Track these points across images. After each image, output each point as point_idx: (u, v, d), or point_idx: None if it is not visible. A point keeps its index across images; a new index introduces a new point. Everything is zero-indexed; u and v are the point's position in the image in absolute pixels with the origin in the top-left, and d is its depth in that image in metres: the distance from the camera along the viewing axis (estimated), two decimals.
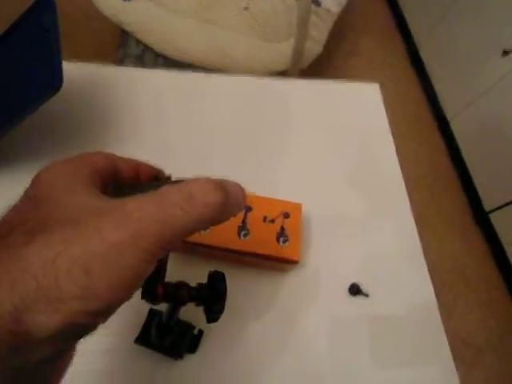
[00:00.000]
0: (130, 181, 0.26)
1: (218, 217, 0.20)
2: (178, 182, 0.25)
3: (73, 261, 0.15)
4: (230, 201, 0.20)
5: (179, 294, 0.27)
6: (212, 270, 0.29)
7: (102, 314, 0.16)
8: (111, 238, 0.16)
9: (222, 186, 0.20)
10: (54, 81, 0.33)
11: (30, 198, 0.19)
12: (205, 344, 0.39)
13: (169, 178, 0.28)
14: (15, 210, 0.19)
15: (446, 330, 0.44)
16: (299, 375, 0.40)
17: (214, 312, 0.27)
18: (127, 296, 0.17)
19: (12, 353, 0.15)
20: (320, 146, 0.55)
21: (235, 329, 0.41)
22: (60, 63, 0.34)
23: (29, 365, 0.16)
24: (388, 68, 1.94)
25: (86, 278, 0.15)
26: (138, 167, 0.26)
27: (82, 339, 0.17)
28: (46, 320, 0.15)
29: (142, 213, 0.17)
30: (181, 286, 0.28)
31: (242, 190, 0.23)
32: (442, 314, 0.45)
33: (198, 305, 0.28)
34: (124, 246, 0.16)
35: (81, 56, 0.55)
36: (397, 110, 1.77)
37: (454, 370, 0.42)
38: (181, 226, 0.18)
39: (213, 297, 0.27)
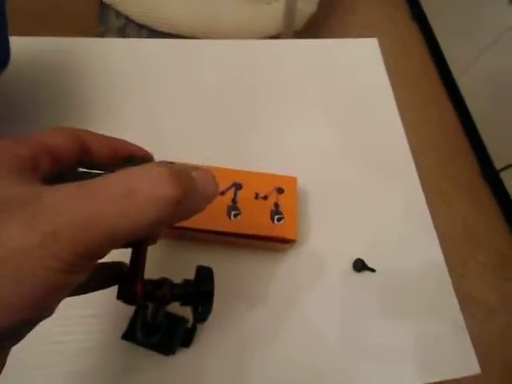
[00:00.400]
0: (104, 163, 0.22)
1: (172, 215, 0.15)
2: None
3: None
4: (191, 194, 0.16)
5: (160, 292, 0.24)
6: (199, 265, 0.26)
7: (9, 336, 0.13)
8: (14, 243, 0.12)
9: (177, 174, 0.16)
10: (0, 55, 0.29)
11: None
12: (200, 337, 0.36)
13: (146, 160, 0.23)
14: None
15: (457, 291, 0.41)
16: (306, 360, 0.37)
17: (200, 313, 0.24)
18: (43, 311, 0.14)
19: None
20: (316, 111, 0.50)
21: (232, 317, 0.38)
22: (6, 35, 0.30)
23: None
24: (389, 25, 1.83)
25: None
26: (115, 146, 0.22)
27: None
28: None
29: (60, 208, 0.13)
30: (162, 283, 0.24)
31: (211, 178, 0.19)
32: (452, 276, 0.42)
33: (183, 304, 0.25)
34: (30, 254, 0.12)
35: (60, 34, 0.50)
36: (400, 68, 1.68)
37: (464, 325, 0.40)
38: (114, 228, 0.14)
39: (199, 296, 0.24)
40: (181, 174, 0.16)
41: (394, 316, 0.40)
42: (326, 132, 0.49)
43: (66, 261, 0.13)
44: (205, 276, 0.25)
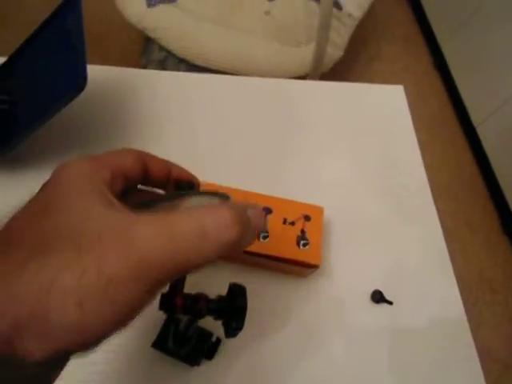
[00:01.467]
0: (159, 183, 0.25)
1: (230, 252, 0.18)
2: (204, 194, 0.24)
3: (66, 293, 0.14)
4: (247, 234, 0.18)
5: (198, 306, 0.26)
6: (232, 282, 0.28)
7: (93, 345, 0.16)
8: (110, 269, 0.15)
9: (241, 219, 0.18)
10: (78, 80, 0.33)
11: (41, 201, 0.18)
12: (222, 350, 0.38)
13: (193, 184, 0.26)
14: (23, 214, 0.18)
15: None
16: (316, 382, 0.38)
17: (232, 328, 0.26)
18: (122, 327, 0.16)
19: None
20: (343, 149, 0.54)
21: (253, 334, 0.39)
22: (84, 63, 0.35)
23: (17, 377, 0.15)
24: (411, 73, 1.90)
25: (79, 313, 0.14)
26: (169, 168, 0.25)
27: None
28: (34, 348, 0.14)
29: (148, 243, 0.16)
30: (199, 298, 0.26)
31: (262, 216, 0.21)
32: None
33: (216, 318, 0.27)
34: (123, 279, 0.15)
35: (105, 63, 0.56)
36: (421, 115, 1.73)
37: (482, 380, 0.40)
38: (187, 262, 0.16)
39: (232, 312, 0.26)
40: (242, 217, 0.18)
41: (404, 365, 0.41)
42: (352, 168, 0.52)
43: (150, 285, 0.16)
44: (238, 292, 0.27)
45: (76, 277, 0.15)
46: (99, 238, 0.16)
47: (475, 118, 1.63)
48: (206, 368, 0.37)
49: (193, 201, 0.24)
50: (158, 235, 0.16)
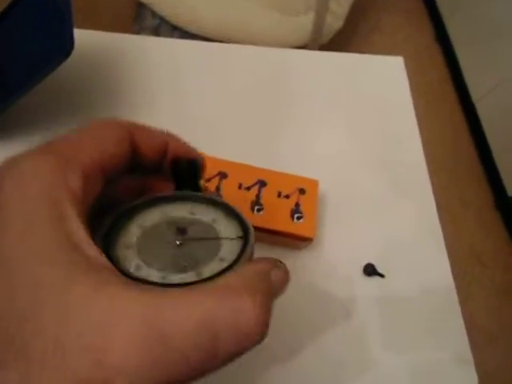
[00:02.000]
0: (151, 164, 0.19)
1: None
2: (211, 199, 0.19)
3: None
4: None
5: None
6: None
7: None
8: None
9: (265, 317, 0.14)
10: (65, 45, 0.32)
11: None
12: None
13: (195, 163, 0.21)
14: None
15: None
16: (308, 356, 0.39)
17: None
18: None
19: None
20: (338, 121, 0.53)
21: None
22: (71, 27, 0.33)
23: None
24: (412, 45, 1.86)
25: None
26: (165, 143, 0.19)
27: None
28: None
29: (126, 361, 0.11)
30: None
31: (287, 280, 0.18)
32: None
33: None
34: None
35: (96, 29, 0.54)
36: (420, 89, 1.70)
37: (470, 355, 0.41)
38: (182, 373, 0.12)
39: None
40: (268, 310, 0.14)
41: (395, 335, 0.42)
42: (348, 141, 0.51)
43: None
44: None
45: None
46: (54, 341, 0.11)
47: (475, 93, 1.61)
48: None
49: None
50: (142, 352, 0.11)
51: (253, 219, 0.39)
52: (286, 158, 0.47)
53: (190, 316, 0.12)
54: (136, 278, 0.14)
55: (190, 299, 0.13)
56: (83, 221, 0.13)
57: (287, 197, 0.41)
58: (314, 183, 0.42)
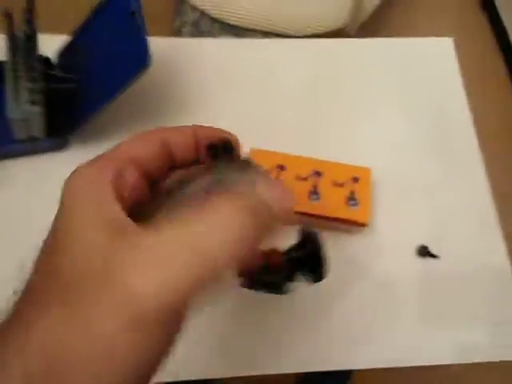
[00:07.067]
0: (188, 161, 0.21)
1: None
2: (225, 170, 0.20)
3: (49, 362, 0.13)
4: (269, 222, 0.17)
5: (273, 260, 0.25)
6: (302, 227, 0.28)
7: None
8: (103, 330, 0.13)
9: (256, 219, 0.16)
10: (144, 58, 0.36)
11: (53, 230, 0.16)
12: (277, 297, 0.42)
13: (229, 144, 0.22)
14: (38, 257, 0.16)
15: None
16: (362, 335, 0.42)
17: (324, 271, 0.25)
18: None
19: None
20: (389, 106, 0.54)
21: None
22: (147, 41, 0.37)
23: None
24: (456, 13, 1.76)
25: None
26: (195, 136, 0.21)
27: None
28: None
29: (141, 296, 0.14)
30: (270, 253, 0.25)
31: (285, 193, 0.19)
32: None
33: (294, 270, 0.26)
34: (117, 341, 0.13)
35: None
36: (468, 66, 1.62)
37: None
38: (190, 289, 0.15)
39: (317, 257, 0.26)
40: (258, 215, 0.16)
41: (450, 314, 0.43)
42: (398, 126, 0.53)
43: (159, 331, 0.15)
44: (315, 238, 0.26)
45: (65, 340, 0.13)
46: (94, 286, 0.14)
47: None
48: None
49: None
50: (150, 270, 0.15)
51: (311, 207, 0.42)
52: (337, 148, 0.49)
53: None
54: None
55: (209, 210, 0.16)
56: (122, 206, 0.17)
57: (342, 185, 0.44)
58: (367, 171, 0.44)
